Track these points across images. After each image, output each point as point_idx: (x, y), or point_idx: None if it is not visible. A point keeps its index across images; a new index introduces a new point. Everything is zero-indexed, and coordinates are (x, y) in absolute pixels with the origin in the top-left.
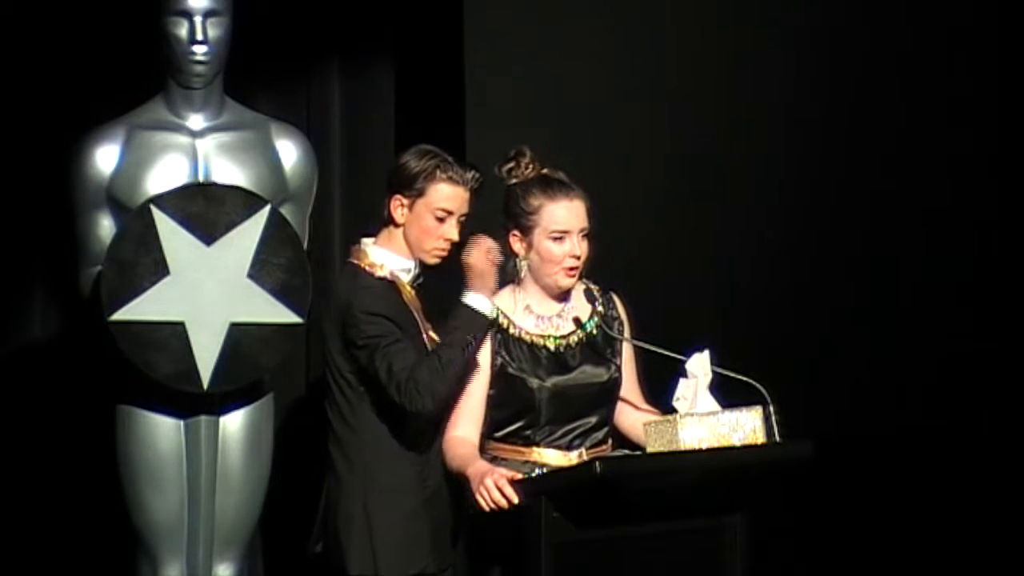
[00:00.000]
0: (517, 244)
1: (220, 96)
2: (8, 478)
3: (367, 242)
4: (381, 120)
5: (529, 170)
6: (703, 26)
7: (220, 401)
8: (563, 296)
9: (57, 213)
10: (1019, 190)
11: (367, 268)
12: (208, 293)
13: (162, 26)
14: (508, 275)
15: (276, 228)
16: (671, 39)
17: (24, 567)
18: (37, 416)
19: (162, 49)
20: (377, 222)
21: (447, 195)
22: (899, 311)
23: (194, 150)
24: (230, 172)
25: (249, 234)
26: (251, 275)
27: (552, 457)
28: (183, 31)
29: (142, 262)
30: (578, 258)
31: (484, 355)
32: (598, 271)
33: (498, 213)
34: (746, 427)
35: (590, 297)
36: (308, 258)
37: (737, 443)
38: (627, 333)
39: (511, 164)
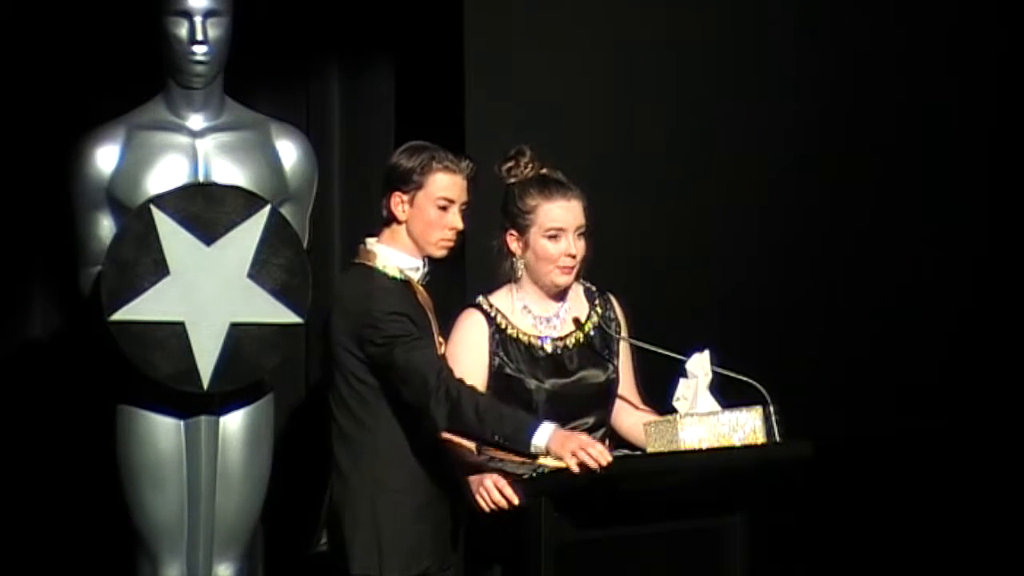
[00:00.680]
0: (514, 243)
1: (220, 96)
2: (8, 478)
3: (372, 242)
4: (381, 120)
5: (528, 169)
6: (703, 26)
7: (220, 401)
8: (561, 296)
9: (57, 213)
10: (1019, 190)
11: (380, 268)
12: (208, 293)
13: (162, 26)
14: (505, 275)
15: (276, 228)
16: (671, 38)
17: (24, 567)
18: (37, 416)
19: (162, 49)
20: (377, 222)
21: (446, 184)
22: (899, 311)
23: (194, 150)
24: (230, 172)
25: (249, 234)
26: (251, 275)
27: (551, 458)
28: (183, 31)
29: (142, 262)
30: (574, 256)
31: (482, 355)
32: (598, 271)
33: (499, 211)
34: (746, 427)
35: (590, 296)
36: (308, 258)
37: (737, 443)
38: (624, 334)
39: (510, 163)
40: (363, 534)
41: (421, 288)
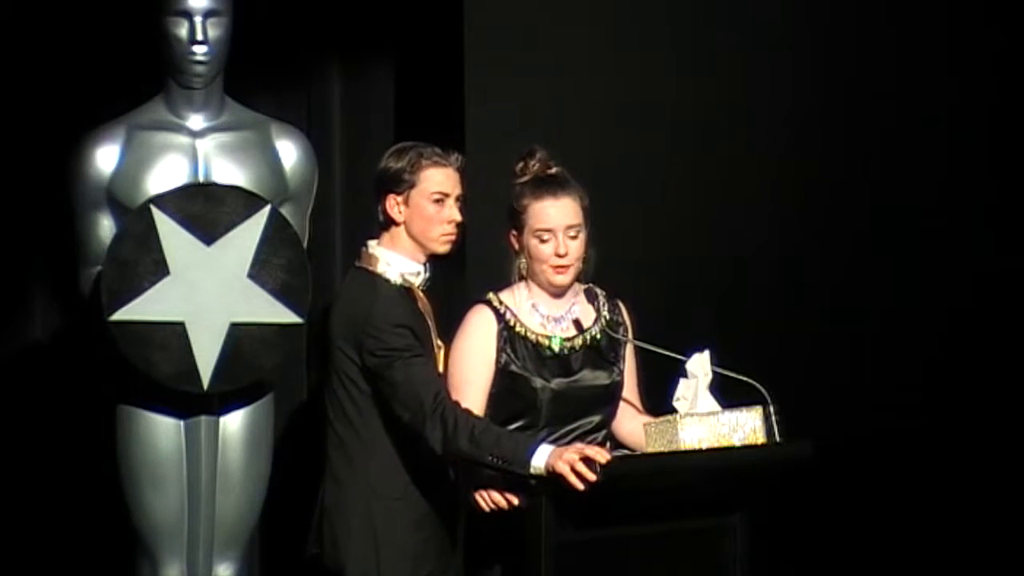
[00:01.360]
0: (515, 243)
1: (220, 96)
2: (8, 478)
3: (373, 244)
4: (381, 120)
5: (535, 169)
6: (703, 26)
7: (220, 401)
8: (569, 296)
9: (57, 213)
10: (1019, 190)
11: (382, 275)
12: (208, 293)
13: (162, 26)
14: (514, 274)
15: (276, 228)
16: (671, 39)
17: (24, 567)
18: (37, 416)
19: (162, 49)
20: (375, 225)
21: (438, 178)
22: (899, 311)
23: (194, 150)
24: (230, 172)
25: (249, 234)
26: (251, 275)
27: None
28: (183, 31)
29: (142, 262)
30: (564, 256)
31: (489, 351)
32: (598, 271)
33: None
34: (746, 427)
35: (591, 297)
36: (308, 258)
37: (737, 443)
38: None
39: (520, 163)
40: (359, 543)
41: (422, 295)
